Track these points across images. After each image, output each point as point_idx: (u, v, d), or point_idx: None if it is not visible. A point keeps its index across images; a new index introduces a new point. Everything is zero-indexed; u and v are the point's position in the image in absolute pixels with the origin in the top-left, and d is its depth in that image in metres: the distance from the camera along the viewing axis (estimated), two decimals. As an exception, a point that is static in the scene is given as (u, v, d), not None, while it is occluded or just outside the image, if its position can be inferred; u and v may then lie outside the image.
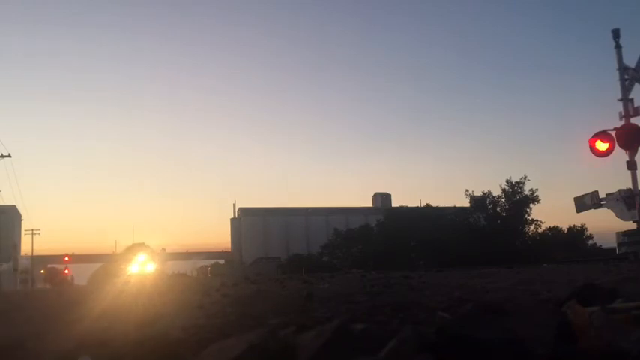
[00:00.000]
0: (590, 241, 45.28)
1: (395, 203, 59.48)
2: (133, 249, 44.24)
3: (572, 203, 17.05)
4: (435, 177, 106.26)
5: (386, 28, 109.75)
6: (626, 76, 15.38)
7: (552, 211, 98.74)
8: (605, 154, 14.26)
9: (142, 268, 41.17)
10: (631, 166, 14.54)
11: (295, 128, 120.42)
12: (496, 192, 39.23)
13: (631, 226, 15.21)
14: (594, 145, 14.30)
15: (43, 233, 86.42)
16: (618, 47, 15.61)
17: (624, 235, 15.66)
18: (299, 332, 1.86)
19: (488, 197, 39.44)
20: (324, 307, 3.45)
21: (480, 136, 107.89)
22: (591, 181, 59.04)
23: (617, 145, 14.35)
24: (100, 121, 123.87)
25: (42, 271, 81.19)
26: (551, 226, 44.02)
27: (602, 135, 14.36)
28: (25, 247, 69.40)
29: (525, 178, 38.47)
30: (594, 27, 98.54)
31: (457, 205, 42.67)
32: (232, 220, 73.79)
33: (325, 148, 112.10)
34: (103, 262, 70.77)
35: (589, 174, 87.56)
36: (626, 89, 15.32)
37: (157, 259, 47.47)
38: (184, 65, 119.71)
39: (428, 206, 43.74)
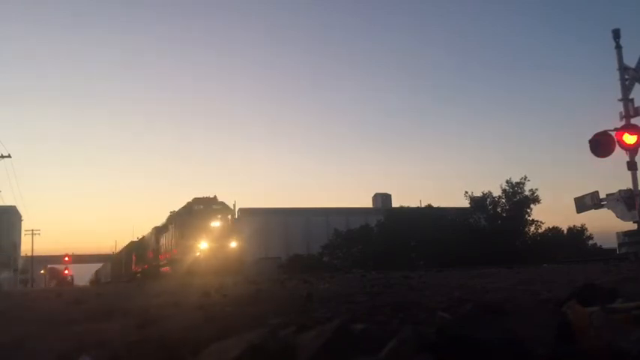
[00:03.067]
0: (590, 242, 45.22)
1: (395, 203, 59.39)
2: (197, 208, 24.50)
3: (573, 203, 17.05)
4: (435, 177, 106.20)
5: (385, 28, 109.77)
6: (626, 77, 15.37)
7: (552, 212, 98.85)
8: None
9: (218, 244, 23.18)
10: (631, 166, 14.53)
11: (295, 128, 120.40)
12: (496, 192, 39.22)
13: (631, 226, 15.20)
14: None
15: (43, 233, 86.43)
16: (618, 47, 15.60)
17: (625, 236, 15.64)
18: (299, 332, 1.86)
19: (488, 197, 39.41)
20: (324, 307, 3.45)
21: (480, 136, 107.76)
22: (591, 181, 59.06)
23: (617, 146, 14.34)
24: (100, 121, 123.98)
25: (42, 271, 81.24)
26: (552, 226, 43.97)
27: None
28: (25, 247, 69.33)
29: (525, 178, 38.43)
30: (594, 27, 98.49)
31: (457, 206, 42.66)
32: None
33: (325, 149, 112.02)
34: (103, 262, 69.85)
35: (589, 174, 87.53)
36: (626, 89, 15.31)
37: (238, 230, 26.08)
38: (184, 66, 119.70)
39: (428, 206, 43.70)
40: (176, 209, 28.46)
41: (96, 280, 65.25)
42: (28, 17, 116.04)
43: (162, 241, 30.53)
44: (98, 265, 73.21)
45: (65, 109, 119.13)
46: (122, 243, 58.80)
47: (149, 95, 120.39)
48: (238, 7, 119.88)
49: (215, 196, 26.07)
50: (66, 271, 78.45)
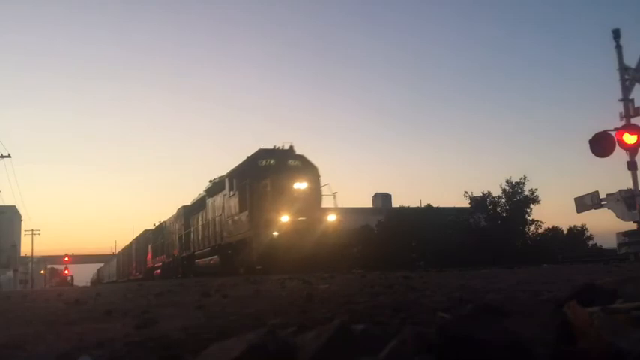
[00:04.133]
0: (590, 242, 45.24)
1: (395, 203, 59.38)
2: (265, 164, 16.83)
3: (573, 203, 17.03)
4: (435, 177, 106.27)
5: (386, 29, 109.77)
6: (626, 77, 15.35)
7: (552, 212, 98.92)
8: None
9: (306, 218, 15.34)
10: (631, 166, 14.53)
11: (296, 129, 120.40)
12: (496, 192, 39.25)
13: (631, 226, 15.19)
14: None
15: (43, 233, 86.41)
16: (618, 47, 15.59)
17: (625, 236, 15.64)
18: (299, 332, 1.86)
19: (488, 198, 39.46)
20: (324, 308, 3.44)
21: (480, 136, 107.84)
22: (591, 181, 59.07)
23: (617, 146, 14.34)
24: (100, 121, 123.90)
25: (42, 272, 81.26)
26: (552, 226, 43.98)
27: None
28: (25, 247, 69.32)
29: (525, 178, 38.50)
30: (594, 27, 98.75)
31: (457, 206, 42.69)
32: (233, 220, 73.28)
33: (326, 149, 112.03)
34: (104, 262, 69.49)
35: (589, 174, 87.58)
36: (626, 89, 15.30)
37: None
38: (184, 67, 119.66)
39: (428, 206, 43.70)
40: (215, 176, 20.19)
41: (97, 279, 64.55)
42: (28, 17, 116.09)
43: (198, 222, 22.11)
44: (98, 265, 72.84)
45: (65, 110, 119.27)
46: (122, 243, 56.18)
47: (150, 95, 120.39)
48: (241, 7, 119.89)
49: (291, 146, 17.59)
50: (66, 271, 78.50)
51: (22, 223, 68.99)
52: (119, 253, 51.40)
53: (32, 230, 67.52)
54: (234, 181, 17.59)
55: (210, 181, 20.89)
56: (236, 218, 17.17)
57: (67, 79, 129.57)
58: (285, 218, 15.19)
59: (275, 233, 15.08)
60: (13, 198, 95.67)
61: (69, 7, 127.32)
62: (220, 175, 19.68)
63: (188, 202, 24.95)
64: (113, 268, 51.96)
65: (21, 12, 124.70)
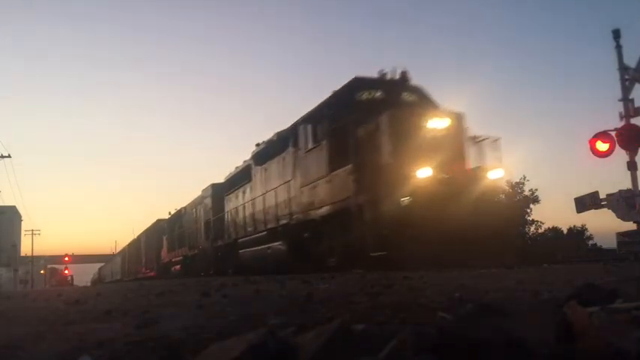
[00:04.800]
0: (590, 242, 45.28)
1: (395, 203, 59.31)
2: (368, 98, 11.38)
3: (573, 203, 17.03)
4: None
5: (384, 27, 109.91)
6: (626, 77, 15.36)
7: (552, 212, 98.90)
8: (605, 154, 14.28)
9: (454, 172, 9.77)
10: (631, 166, 14.54)
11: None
12: (496, 192, 39.35)
13: (631, 226, 15.20)
14: (594, 145, 14.34)
15: (43, 233, 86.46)
16: (618, 47, 15.60)
17: (625, 236, 15.65)
18: (299, 332, 1.87)
19: (488, 197, 39.58)
20: (324, 308, 3.44)
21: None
22: (592, 181, 59.10)
23: (617, 146, 14.37)
24: (100, 121, 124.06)
25: (42, 272, 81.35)
26: (552, 226, 44.02)
27: (603, 135, 14.38)
28: (25, 247, 69.34)
29: (525, 178, 38.57)
30: (594, 27, 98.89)
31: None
32: (233, 220, 73.01)
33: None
34: (104, 262, 69.39)
35: (589, 174, 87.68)
36: (626, 89, 15.30)
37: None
38: (182, 67, 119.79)
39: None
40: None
41: (99, 279, 64.22)
42: (28, 18, 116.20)
43: (238, 200, 17.18)
44: (98, 265, 72.70)
45: (66, 110, 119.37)
46: (122, 243, 55.39)
47: (149, 96, 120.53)
48: (244, 6, 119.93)
49: (404, 73, 12.04)
50: (66, 271, 78.58)
51: (22, 223, 69.06)
52: (124, 249, 46.10)
53: (32, 230, 67.53)
54: (318, 127, 11.71)
55: (258, 145, 15.76)
56: (323, 182, 11.35)
57: (68, 79, 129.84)
58: (424, 172, 9.54)
59: (405, 198, 9.44)
60: (13, 198, 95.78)
61: (70, 7, 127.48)
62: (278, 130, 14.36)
63: (218, 181, 20.18)
64: (117, 266, 46.93)
65: (22, 14, 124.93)
